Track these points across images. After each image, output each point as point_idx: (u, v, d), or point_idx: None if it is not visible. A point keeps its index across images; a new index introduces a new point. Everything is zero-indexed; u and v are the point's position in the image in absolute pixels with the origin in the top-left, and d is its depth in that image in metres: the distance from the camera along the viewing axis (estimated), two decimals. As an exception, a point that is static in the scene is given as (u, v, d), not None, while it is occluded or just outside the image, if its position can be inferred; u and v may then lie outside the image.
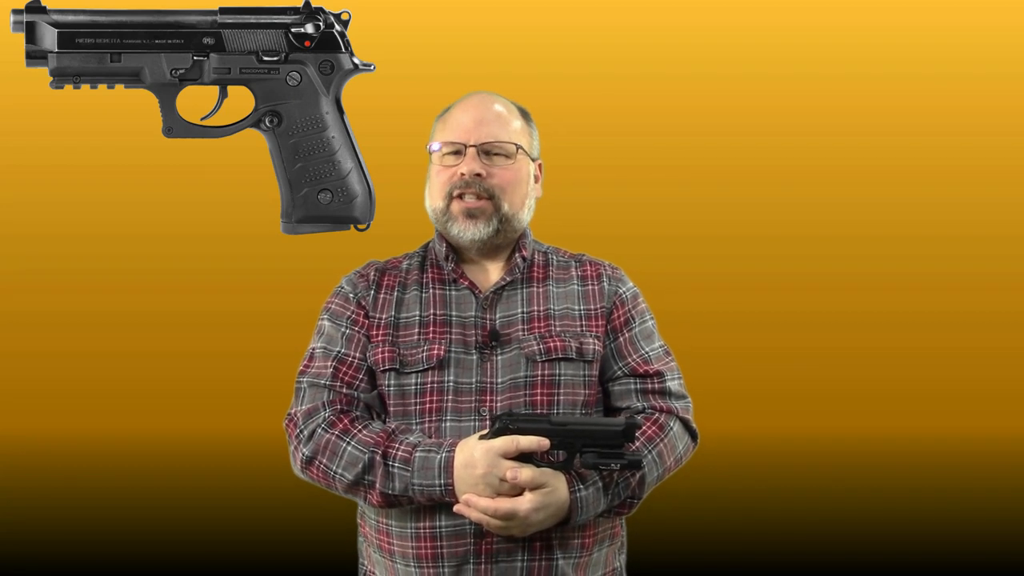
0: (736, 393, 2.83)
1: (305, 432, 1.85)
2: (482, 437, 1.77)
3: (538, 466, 1.76)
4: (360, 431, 1.82)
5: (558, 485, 1.77)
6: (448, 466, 1.77)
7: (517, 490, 1.76)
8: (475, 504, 1.75)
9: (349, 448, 1.81)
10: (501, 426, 1.76)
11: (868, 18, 2.89)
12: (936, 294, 2.92)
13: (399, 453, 1.79)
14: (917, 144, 2.91)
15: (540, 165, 2.00)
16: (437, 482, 1.77)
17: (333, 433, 1.83)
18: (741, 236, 2.90)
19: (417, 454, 1.78)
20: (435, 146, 1.94)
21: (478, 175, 1.89)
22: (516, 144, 1.93)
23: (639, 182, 2.85)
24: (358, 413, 1.86)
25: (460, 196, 1.91)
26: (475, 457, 1.75)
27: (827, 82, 2.89)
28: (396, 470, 1.78)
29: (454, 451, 1.77)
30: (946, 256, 2.92)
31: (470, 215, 1.90)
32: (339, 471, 1.81)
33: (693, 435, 1.94)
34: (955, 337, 2.92)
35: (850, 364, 2.91)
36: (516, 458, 1.75)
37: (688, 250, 2.87)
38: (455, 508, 1.77)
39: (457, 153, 1.92)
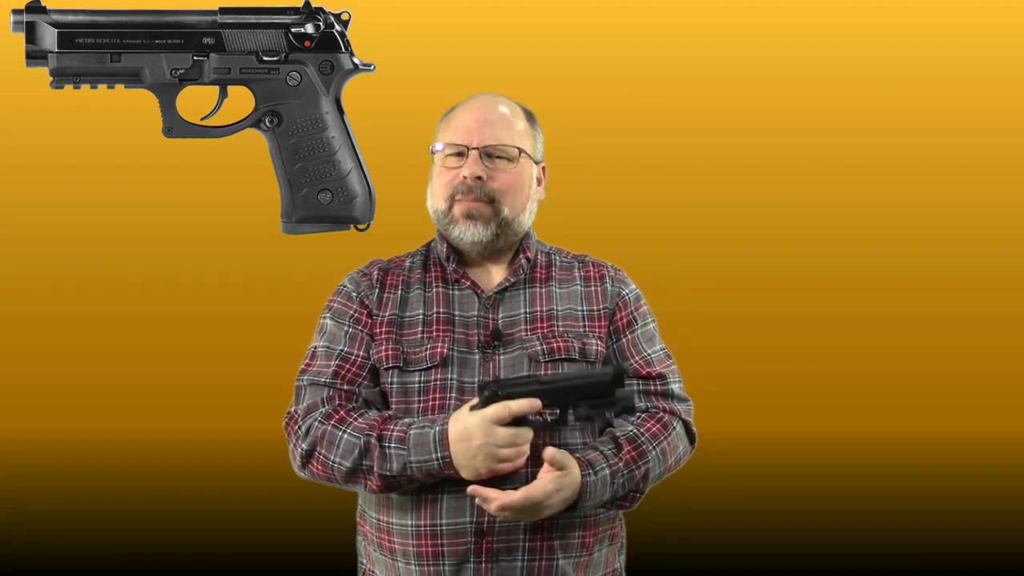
0: (736, 393, 2.83)
1: (303, 428, 1.85)
2: (472, 408, 1.77)
3: (533, 428, 1.75)
4: (356, 419, 1.82)
5: (572, 468, 1.77)
6: (443, 439, 1.76)
7: (517, 457, 1.75)
8: (510, 503, 1.73)
9: (345, 436, 1.81)
10: (490, 394, 1.75)
11: (868, 18, 2.89)
12: (936, 294, 2.92)
13: (394, 434, 1.79)
14: (917, 144, 2.91)
15: (544, 168, 2.00)
16: (434, 455, 1.76)
17: (329, 424, 1.83)
18: (741, 236, 2.90)
19: (412, 431, 1.78)
20: (438, 146, 1.94)
21: (479, 178, 1.89)
22: (519, 148, 1.93)
23: (641, 182, 2.85)
24: (354, 405, 1.86)
25: (461, 198, 1.90)
26: (469, 429, 1.75)
27: (827, 82, 2.88)
28: (392, 450, 1.78)
29: (447, 424, 1.77)
30: (946, 256, 2.92)
31: (469, 216, 1.90)
32: (337, 459, 1.81)
33: (692, 438, 1.95)
34: (955, 337, 2.92)
35: (850, 364, 2.91)
36: (511, 423, 1.74)
37: (689, 250, 2.87)
38: (470, 489, 1.75)
39: (459, 155, 1.92)
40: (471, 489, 1.76)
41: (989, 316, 2.91)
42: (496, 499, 1.75)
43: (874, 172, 2.91)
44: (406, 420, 1.82)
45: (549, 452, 1.75)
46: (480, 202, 1.90)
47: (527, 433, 1.76)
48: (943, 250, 2.92)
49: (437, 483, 1.80)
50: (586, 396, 1.75)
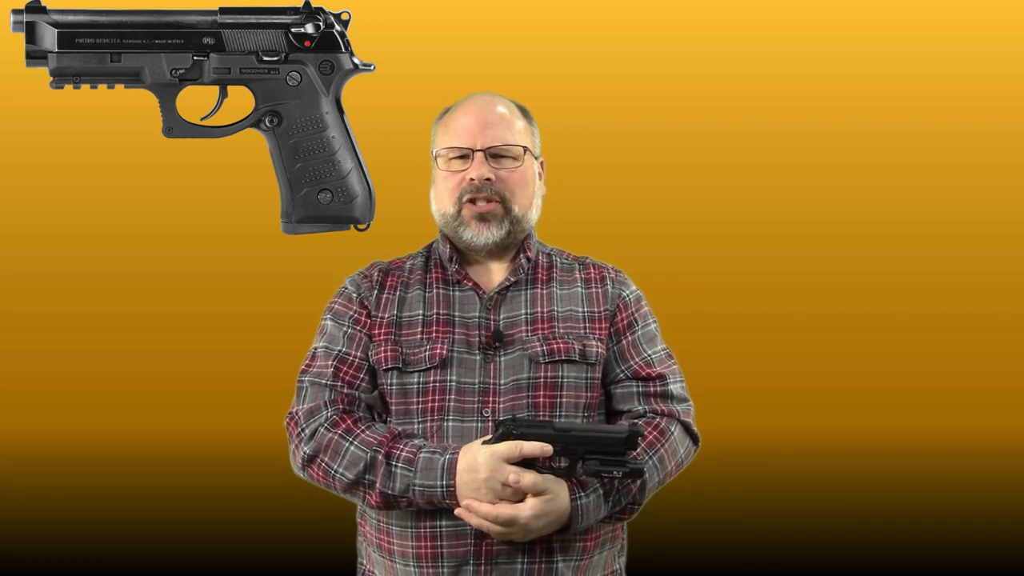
0: (736, 393, 2.83)
1: (307, 431, 1.85)
2: (485, 442, 1.77)
3: (540, 472, 1.76)
4: (363, 431, 1.82)
5: (560, 492, 1.77)
6: (451, 468, 1.77)
7: (519, 496, 1.76)
8: (476, 509, 1.75)
9: (352, 448, 1.81)
10: (504, 431, 1.76)
11: (868, 18, 2.89)
12: (936, 294, 2.92)
13: (403, 454, 1.79)
14: (917, 144, 2.91)
15: (542, 163, 2.00)
16: (439, 483, 1.77)
17: (336, 432, 1.83)
18: (741, 236, 2.90)
19: (421, 455, 1.79)
20: (440, 151, 1.94)
21: (488, 179, 1.89)
22: (523, 147, 1.93)
23: (641, 182, 2.86)
24: (361, 414, 1.86)
25: (471, 201, 1.91)
26: (478, 461, 1.75)
27: (827, 82, 2.89)
28: (398, 470, 1.78)
29: (458, 454, 1.77)
30: (946, 256, 2.92)
31: (483, 219, 1.90)
32: (340, 470, 1.81)
33: (694, 439, 1.94)
34: (955, 337, 2.92)
35: (850, 364, 2.91)
36: (519, 464, 1.75)
37: (690, 250, 2.87)
38: (456, 512, 1.77)
39: (464, 157, 1.92)
40: (458, 512, 1.77)
41: (989, 317, 2.91)
42: (465, 505, 1.75)
43: (874, 173, 2.92)
44: (416, 441, 1.82)
45: (528, 480, 1.75)
46: (492, 203, 1.90)
47: (528, 477, 1.75)
48: (943, 250, 2.92)
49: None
50: (598, 451, 1.76)
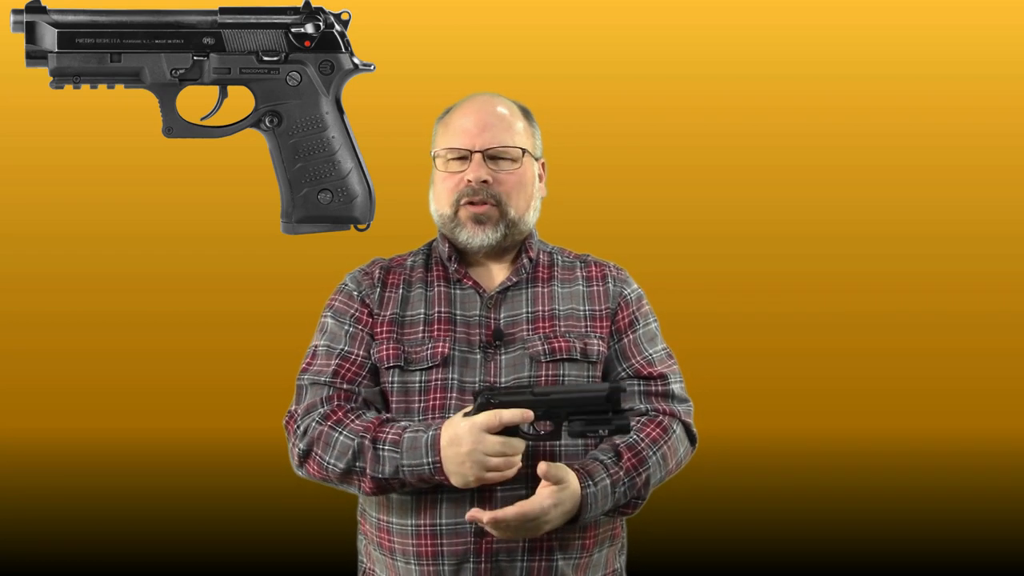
0: (736, 393, 2.83)
1: (301, 428, 1.85)
2: (466, 414, 1.77)
3: (525, 439, 1.75)
4: (352, 421, 1.82)
5: (571, 481, 1.77)
6: (435, 444, 1.76)
7: (507, 467, 1.74)
8: (503, 518, 1.73)
9: (341, 437, 1.81)
10: (483, 401, 1.75)
11: (868, 18, 2.89)
12: (936, 294, 2.92)
13: (389, 436, 1.79)
14: (916, 144, 2.91)
15: (543, 164, 2.00)
16: (425, 460, 1.76)
17: (326, 425, 1.83)
18: (741, 236, 2.90)
19: (406, 435, 1.78)
20: (439, 151, 1.94)
21: (485, 182, 1.89)
22: (522, 148, 1.93)
23: (641, 182, 2.86)
24: (353, 406, 1.86)
25: (468, 203, 1.90)
26: (459, 434, 1.75)
27: (827, 82, 2.89)
28: (386, 453, 1.78)
29: (440, 429, 1.77)
30: (946, 256, 2.92)
31: (478, 220, 1.90)
32: (332, 461, 1.81)
33: (692, 439, 1.95)
34: (955, 337, 2.92)
35: (850, 364, 2.91)
36: (502, 432, 1.74)
37: (690, 250, 2.87)
38: (482, 520, 1.75)
39: (462, 159, 1.91)
40: (470, 516, 1.76)
41: (989, 316, 2.92)
42: (490, 512, 1.74)
43: (874, 173, 2.92)
44: (402, 423, 1.82)
45: (543, 467, 1.75)
46: (487, 205, 1.90)
47: (517, 444, 1.75)
48: (943, 250, 2.92)
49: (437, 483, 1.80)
50: (581, 411, 1.75)
